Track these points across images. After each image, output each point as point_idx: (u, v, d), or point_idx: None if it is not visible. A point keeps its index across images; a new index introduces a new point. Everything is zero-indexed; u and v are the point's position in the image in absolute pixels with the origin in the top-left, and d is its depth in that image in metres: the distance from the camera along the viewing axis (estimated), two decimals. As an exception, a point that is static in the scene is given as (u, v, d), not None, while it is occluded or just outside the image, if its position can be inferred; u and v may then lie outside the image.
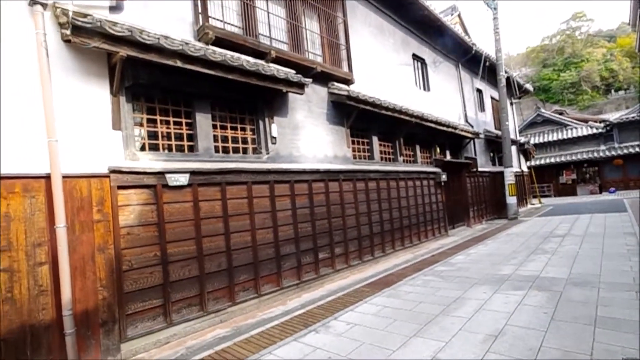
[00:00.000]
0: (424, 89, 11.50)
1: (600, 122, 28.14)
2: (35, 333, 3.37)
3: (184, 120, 4.92)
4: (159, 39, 4.13)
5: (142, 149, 4.52)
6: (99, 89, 4.07)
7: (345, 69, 7.59)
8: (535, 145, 26.26)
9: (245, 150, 5.71)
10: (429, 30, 11.40)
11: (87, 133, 3.89)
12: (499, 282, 5.35)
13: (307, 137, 6.56)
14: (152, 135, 4.65)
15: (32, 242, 3.43)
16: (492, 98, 17.35)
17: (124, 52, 3.89)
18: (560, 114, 32.32)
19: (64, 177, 3.60)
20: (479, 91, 16.09)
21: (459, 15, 15.98)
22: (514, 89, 18.87)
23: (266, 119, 5.86)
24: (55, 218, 3.48)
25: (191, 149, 4.96)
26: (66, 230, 3.53)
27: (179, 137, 4.89)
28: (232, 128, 5.55)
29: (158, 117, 4.67)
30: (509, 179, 14.40)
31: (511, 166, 14.62)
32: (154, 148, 4.62)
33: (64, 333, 3.46)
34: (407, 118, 8.72)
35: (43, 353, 3.40)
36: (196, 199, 4.69)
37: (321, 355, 3.50)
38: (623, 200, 17.54)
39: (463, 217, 12.65)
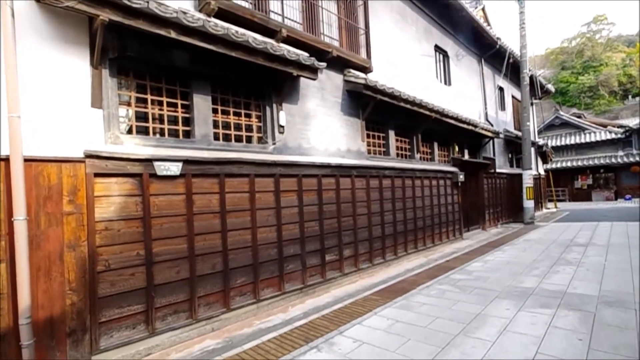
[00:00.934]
0: (445, 83, 10.59)
1: (619, 128, 26.78)
2: (-17, 345, 2.75)
3: (179, 102, 4.22)
4: (148, 2, 3.42)
5: (129, 131, 3.84)
6: (77, 59, 3.39)
7: (364, 55, 6.79)
8: (552, 147, 24.97)
9: (249, 139, 5.00)
10: (453, 20, 10.45)
11: (59, 110, 3.22)
12: (523, 296, 4.65)
13: (318, 128, 5.81)
14: (142, 117, 3.96)
15: (-17, 237, 2.79)
16: (513, 97, 16.27)
17: (105, 15, 3.19)
18: (579, 117, 30.75)
19: (27, 160, 2.95)
20: (501, 89, 15.03)
21: (482, 9, 14.89)
22: (537, 89, 17.70)
23: (274, 106, 5.12)
24: (13, 209, 2.83)
25: (187, 134, 4.27)
26: (27, 224, 2.88)
27: (174, 120, 4.20)
28: (236, 114, 4.83)
29: (149, 97, 3.98)
30: (527, 182, 13.42)
31: (530, 169, 13.63)
32: (143, 131, 3.94)
33: (21, 345, 2.83)
34: (426, 112, 7.89)
35: (-8, 369, 2.78)
36: (189, 191, 4.00)
37: (323, 389, 2.81)
38: None
39: (478, 220, 11.78)
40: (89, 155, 3.32)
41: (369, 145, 7.12)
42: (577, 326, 3.54)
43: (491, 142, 12.73)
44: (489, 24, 15.38)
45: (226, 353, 3.51)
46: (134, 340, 3.48)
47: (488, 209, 12.34)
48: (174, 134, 4.17)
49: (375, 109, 6.83)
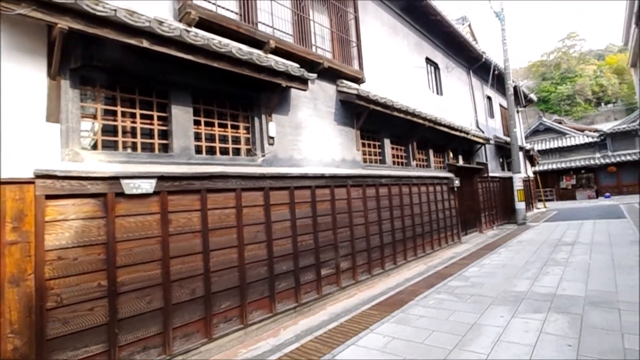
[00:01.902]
0: (437, 93, 9.72)
1: (595, 132, 25.85)
2: None
3: (155, 114, 3.45)
4: (115, 11, 2.67)
5: (95, 147, 3.07)
6: (32, 69, 2.66)
7: (356, 66, 5.98)
8: (538, 151, 23.85)
9: (237, 152, 4.20)
10: (442, 35, 9.61)
11: (6, 125, 2.47)
12: (516, 301, 4.21)
13: (311, 138, 5.00)
14: (111, 131, 3.20)
15: None
16: (500, 106, 15.29)
17: (64, 23, 2.48)
18: (560, 123, 29.51)
19: (-47, 183, 2.19)
20: (489, 98, 14.09)
21: (469, 26, 14.03)
22: (520, 98, 16.77)
23: (263, 117, 4.33)
24: None
25: (165, 148, 3.49)
26: (-53, 260, 2.11)
27: (149, 133, 3.43)
28: (221, 125, 4.04)
29: (119, 109, 3.21)
30: (518, 184, 12.39)
31: (519, 172, 12.62)
32: (111, 146, 3.16)
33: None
34: (420, 121, 7.03)
35: None
36: (165, 210, 3.21)
37: None
38: (619, 206, 16.12)
39: (475, 223, 10.76)
40: (40, 175, 2.55)
41: (364, 154, 6.28)
42: (567, 331, 3.25)
43: (483, 147, 11.77)
44: (475, 40, 14.51)
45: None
46: (95, 384, 2.66)
47: (484, 212, 11.32)
48: (148, 148, 3.39)
49: (370, 119, 6.01)
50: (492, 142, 12.55)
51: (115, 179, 2.89)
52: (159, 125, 3.46)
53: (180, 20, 3.63)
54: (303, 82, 4.42)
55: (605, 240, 7.73)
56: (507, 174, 13.74)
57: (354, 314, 4.33)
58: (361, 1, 6.53)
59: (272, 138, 4.37)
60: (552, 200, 24.75)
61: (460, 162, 10.02)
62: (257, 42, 4.19)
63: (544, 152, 26.56)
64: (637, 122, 22.48)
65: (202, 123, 3.80)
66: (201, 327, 3.34)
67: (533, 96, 19.72)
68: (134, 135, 3.29)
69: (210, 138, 3.91)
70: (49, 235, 2.55)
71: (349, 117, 5.77)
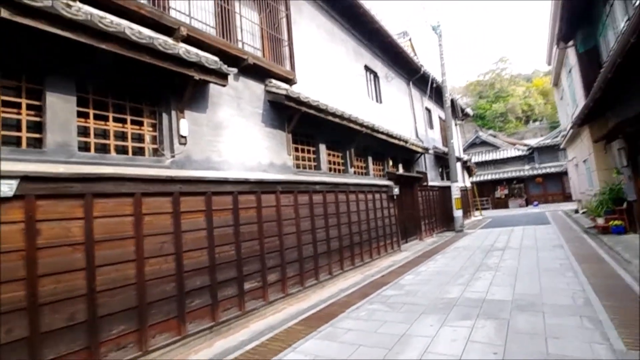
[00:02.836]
0: (377, 101, 10.08)
1: (524, 146, 29.20)
2: None
3: (24, 102, 2.94)
4: None
5: None
6: None
7: (288, 67, 5.90)
8: (475, 163, 26.09)
9: (139, 151, 3.78)
10: (381, 45, 10.06)
11: None
12: (447, 308, 4.31)
13: (234, 140, 4.73)
14: (-44, 120, 2.64)
15: None
16: (439, 118, 16.44)
17: None
18: (494, 137, 32.74)
19: None
20: (428, 110, 15.07)
21: (410, 40, 14.99)
22: (457, 111, 18.23)
23: (173, 113, 3.98)
24: None
25: (39, 143, 2.98)
26: None
27: (16, 125, 2.90)
28: (119, 120, 3.61)
29: (-31, 93, 2.67)
30: (456, 193, 13.27)
31: (457, 181, 13.55)
32: (-46, 139, 2.61)
33: None
34: (357, 127, 7.15)
35: None
36: (31, 218, 2.70)
37: None
38: (545, 213, 17.90)
39: (415, 231, 11.20)
40: None
41: (297, 159, 6.15)
42: (493, 337, 3.31)
43: (423, 157, 12.43)
44: (415, 54, 15.54)
45: None
46: None
47: (424, 219, 11.85)
48: (14, 142, 2.87)
49: (303, 122, 5.93)
50: (431, 152, 13.33)
51: (-46, 178, 2.36)
52: (30, 115, 2.95)
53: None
54: (221, 76, 4.18)
55: (532, 244, 8.52)
56: (446, 183, 14.66)
57: (277, 331, 4.08)
58: (295, 1, 6.53)
59: (184, 137, 4.03)
60: (488, 208, 27.06)
61: (401, 171, 10.43)
62: (167, 29, 3.87)
63: (481, 164, 29.15)
64: (559, 137, 25.83)
65: (92, 116, 3.35)
66: (84, 358, 2.83)
67: (469, 110, 21.58)
68: (-9, 126, 2.75)
69: (103, 134, 3.46)
70: None
71: (279, 120, 5.62)
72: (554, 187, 26.60)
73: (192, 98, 4.16)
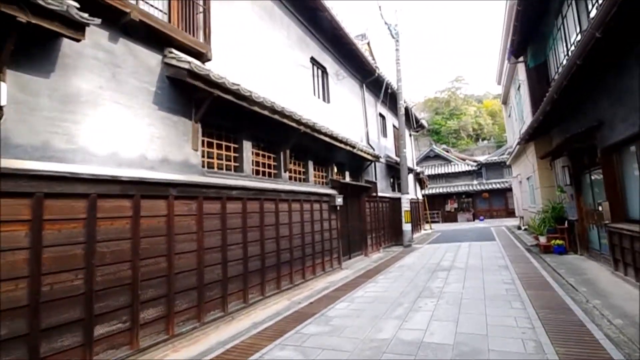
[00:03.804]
0: (324, 100, 9.18)
1: (474, 162, 30.46)
2: None
3: None
4: None
5: None
6: None
7: (201, 39, 4.72)
8: (428, 176, 26.49)
9: None
10: (333, 38, 9.23)
11: None
12: (375, 356, 3.45)
13: (101, 122, 3.44)
14: None
15: None
16: (394, 126, 16.06)
17: None
18: (447, 151, 33.85)
19: None
20: (382, 117, 14.58)
21: (368, 44, 14.42)
22: (412, 121, 18.12)
23: (-19, 69, 2.63)
24: None
25: None
26: None
27: None
28: None
29: None
30: (405, 206, 12.79)
31: (408, 193, 13.10)
32: None
33: None
34: (293, 124, 6.13)
35: None
36: None
37: None
38: (490, 229, 18.11)
39: (361, 246, 10.39)
40: None
41: (209, 156, 4.96)
42: None
43: (373, 166, 11.77)
44: (374, 59, 15.07)
45: None
46: None
47: (370, 233, 11.11)
48: None
49: (221, 111, 4.77)
50: (382, 160, 12.77)
51: None
52: None
53: None
54: (71, 25, 2.90)
55: (478, 264, 8.14)
56: (397, 194, 14.19)
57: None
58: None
59: (1, 107, 2.68)
60: (438, 222, 27.56)
61: (347, 179, 9.59)
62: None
63: (434, 177, 29.80)
64: (505, 155, 27.22)
65: None
66: None
67: (424, 122, 21.75)
68: None
69: None
70: None
71: (182, 104, 4.40)
72: (498, 203, 27.81)
73: (22, 52, 2.83)
